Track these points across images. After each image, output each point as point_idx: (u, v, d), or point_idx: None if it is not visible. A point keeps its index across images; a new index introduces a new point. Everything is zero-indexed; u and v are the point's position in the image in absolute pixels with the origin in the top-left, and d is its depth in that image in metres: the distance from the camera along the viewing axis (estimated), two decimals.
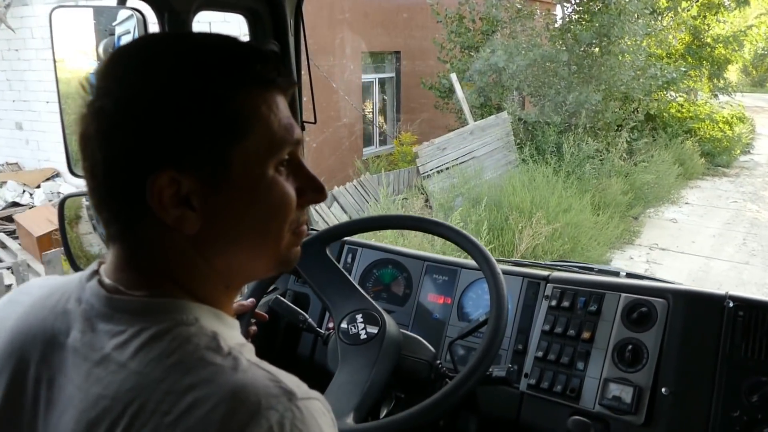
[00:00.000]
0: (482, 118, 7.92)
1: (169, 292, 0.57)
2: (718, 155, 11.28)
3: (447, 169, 6.65)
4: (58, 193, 7.98)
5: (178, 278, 0.58)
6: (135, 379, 0.51)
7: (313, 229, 1.59)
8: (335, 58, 8.07)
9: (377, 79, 9.68)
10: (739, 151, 12.23)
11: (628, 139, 8.69)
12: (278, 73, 0.58)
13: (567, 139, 7.47)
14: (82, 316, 0.57)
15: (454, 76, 7.56)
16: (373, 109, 9.65)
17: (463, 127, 7.64)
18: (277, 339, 1.49)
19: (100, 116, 0.54)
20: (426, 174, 6.62)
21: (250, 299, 1.16)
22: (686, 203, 8.68)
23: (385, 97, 10.02)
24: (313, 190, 0.62)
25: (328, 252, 1.24)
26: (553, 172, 6.41)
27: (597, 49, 8.52)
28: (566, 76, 8.27)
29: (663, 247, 6.66)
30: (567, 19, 8.99)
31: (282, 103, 0.59)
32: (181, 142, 0.53)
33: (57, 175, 8.66)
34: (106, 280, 0.58)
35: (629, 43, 8.57)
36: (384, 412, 1.09)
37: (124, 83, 0.54)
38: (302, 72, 1.55)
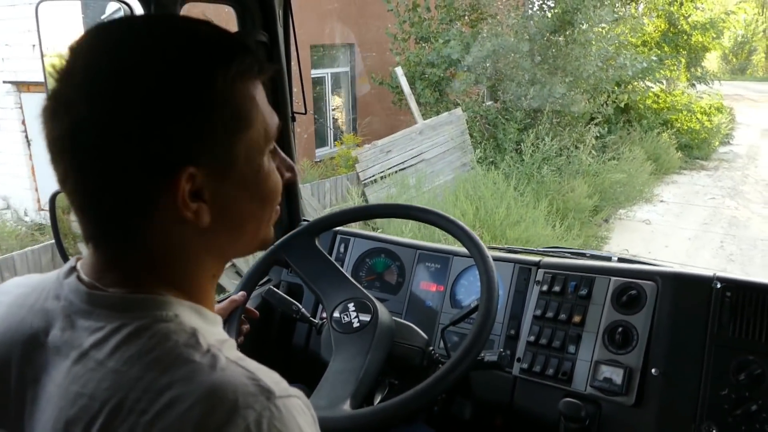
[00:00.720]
0: (438, 115, 7.22)
1: (149, 288, 0.56)
2: (696, 147, 10.81)
3: (391, 174, 5.94)
4: None
5: (172, 273, 0.57)
6: (113, 377, 0.50)
7: (305, 220, 1.61)
8: None
9: (329, 74, 9.03)
10: (718, 143, 11.75)
11: (598, 135, 8.04)
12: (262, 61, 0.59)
13: (528, 137, 6.79)
14: (61, 313, 0.57)
15: (399, 70, 6.84)
16: (325, 106, 8.98)
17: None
18: (273, 330, 1.51)
19: (106, 114, 0.52)
20: (367, 181, 5.90)
21: (241, 293, 1.14)
22: (661, 201, 8.13)
23: (340, 94, 9.38)
24: (286, 169, 0.64)
25: (317, 243, 1.23)
26: (505, 177, 5.71)
27: (561, 38, 7.84)
28: (529, 67, 7.58)
29: (634, 253, 6.08)
30: (529, 5, 8.31)
31: (264, 91, 0.60)
32: (196, 137, 0.53)
33: None
34: (85, 278, 0.57)
35: (596, 30, 7.89)
36: (378, 399, 1.09)
37: (131, 81, 0.52)
38: (291, 63, 1.55)
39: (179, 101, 0.52)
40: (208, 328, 0.56)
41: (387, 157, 6.08)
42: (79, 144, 0.52)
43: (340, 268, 1.20)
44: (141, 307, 0.54)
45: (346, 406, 0.97)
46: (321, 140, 8.89)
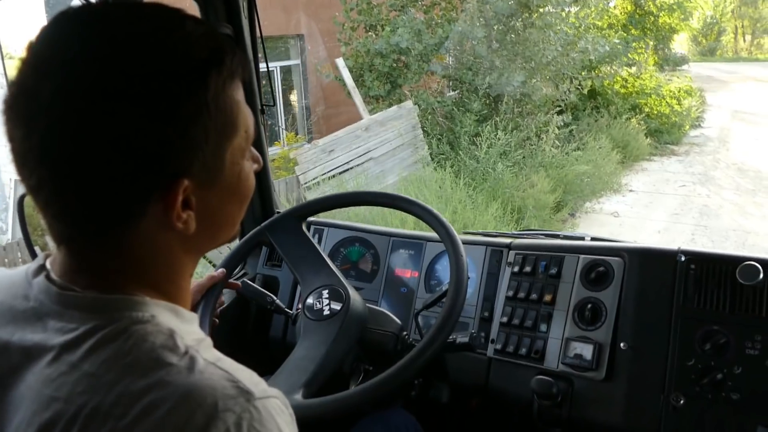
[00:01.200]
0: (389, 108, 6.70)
1: (124, 289, 0.54)
2: (666, 132, 10.49)
3: (331, 177, 5.42)
4: None
5: (152, 275, 0.56)
6: (88, 381, 0.49)
7: (277, 212, 1.63)
8: None
9: (279, 68, 8.49)
10: (688, 126, 11.44)
11: (562, 123, 7.59)
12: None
13: (484, 130, 6.31)
14: (31, 313, 0.54)
15: (340, 62, 6.31)
16: (275, 101, 8.45)
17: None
18: (249, 323, 1.53)
19: (89, 117, 0.48)
20: (308, 184, 5.37)
21: (221, 270, 1.14)
22: (630, 191, 7.77)
23: (292, 88, 8.86)
24: (253, 161, 0.62)
25: (303, 227, 1.23)
26: (455, 175, 5.21)
27: (519, 23, 7.36)
28: (486, 54, 7.09)
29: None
30: None
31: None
32: (190, 147, 0.51)
33: None
34: (56, 278, 0.55)
35: (555, 12, 7.42)
36: (352, 386, 1.07)
37: (118, 81, 0.48)
38: (258, 55, 1.57)
39: (174, 106, 0.48)
40: (185, 328, 0.54)
41: (330, 157, 5.55)
42: (59, 152, 0.48)
43: (324, 255, 1.19)
44: (116, 309, 0.52)
45: (298, 396, 0.95)
46: (273, 138, 8.37)
